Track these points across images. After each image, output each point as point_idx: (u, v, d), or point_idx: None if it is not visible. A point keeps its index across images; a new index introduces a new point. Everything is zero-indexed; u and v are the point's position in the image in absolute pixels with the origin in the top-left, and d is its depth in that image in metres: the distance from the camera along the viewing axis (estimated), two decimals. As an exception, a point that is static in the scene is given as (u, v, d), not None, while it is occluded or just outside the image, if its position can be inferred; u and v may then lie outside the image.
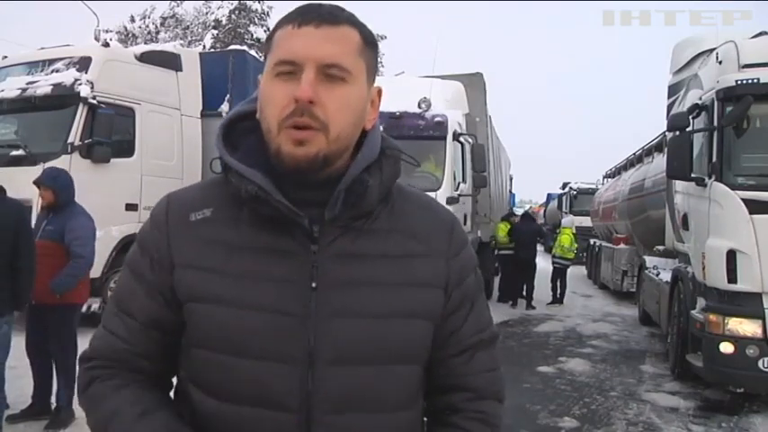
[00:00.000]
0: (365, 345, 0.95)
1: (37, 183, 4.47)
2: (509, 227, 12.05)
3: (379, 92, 1.04)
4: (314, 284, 0.95)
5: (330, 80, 0.93)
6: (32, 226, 4.25)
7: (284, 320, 0.94)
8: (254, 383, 0.94)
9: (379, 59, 1.20)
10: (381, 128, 1.07)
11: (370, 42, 0.99)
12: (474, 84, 10.49)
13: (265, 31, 23.24)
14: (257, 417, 0.93)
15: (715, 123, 5.51)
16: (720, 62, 5.56)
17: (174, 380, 1.07)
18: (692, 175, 5.67)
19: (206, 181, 1.08)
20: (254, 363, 0.93)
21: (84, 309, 5.03)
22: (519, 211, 15.41)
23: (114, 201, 7.41)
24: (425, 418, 1.10)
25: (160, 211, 1.03)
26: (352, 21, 0.97)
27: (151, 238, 1.02)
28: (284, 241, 0.97)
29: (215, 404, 0.96)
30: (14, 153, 7.14)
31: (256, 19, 24.81)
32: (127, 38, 23.48)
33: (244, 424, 0.94)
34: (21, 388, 4.59)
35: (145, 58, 8.24)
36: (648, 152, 11.30)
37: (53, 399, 4.43)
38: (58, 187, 4.35)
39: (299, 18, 0.94)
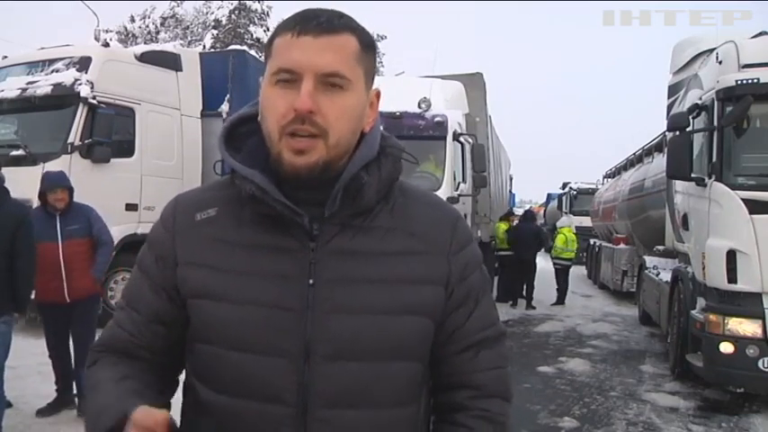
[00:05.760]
0: (361, 341, 0.97)
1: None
2: (508, 226, 12.07)
3: (378, 94, 1.05)
4: (311, 281, 0.97)
5: (329, 89, 0.94)
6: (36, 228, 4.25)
7: (282, 316, 0.96)
8: (252, 377, 0.96)
9: (378, 59, 1.20)
10: (381, 127, 1.07)
11: (368, 47, 1.00)
12: (474, 84, 10.47)
13: (265, 31, 23.25)
14: (255, 410, 0.96)
15: (715, 123, 5.51)
16: (720, 62, 5.56)
17: (182, 376, 1.09)
18: (692, 175, 5.67)
19: (213, 183, 1.11)
20: (253, 357, 0.96)
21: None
22: (519, 212, 15.38)
23: (114, 201, 7.38)
24: (432, 417, 1.11)
25: (168, 210, 1.08)
26: (350, 27, 0.98)
27: (158, 235, 1.06)
28: (284, 239, 0.99)
29: (216, 397, 0.98)
30: (14, 153, 7.11)
31: (256, 19, 24.81)
32: (127, 38, 23.50)
33: (242, 417, 0.96)
34: (22, 388, 4.60)
35: (145, 58, 8.22)
36: (648, 152, 11.30)
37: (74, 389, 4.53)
38: (70, 187, 4.49)
39: (297, 26, 0.95)
